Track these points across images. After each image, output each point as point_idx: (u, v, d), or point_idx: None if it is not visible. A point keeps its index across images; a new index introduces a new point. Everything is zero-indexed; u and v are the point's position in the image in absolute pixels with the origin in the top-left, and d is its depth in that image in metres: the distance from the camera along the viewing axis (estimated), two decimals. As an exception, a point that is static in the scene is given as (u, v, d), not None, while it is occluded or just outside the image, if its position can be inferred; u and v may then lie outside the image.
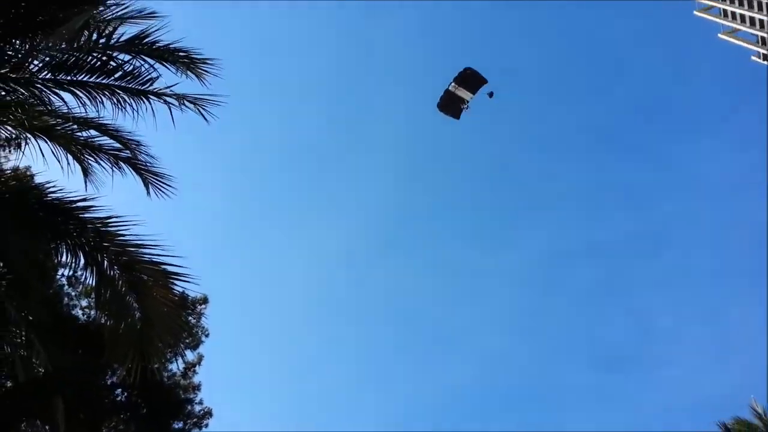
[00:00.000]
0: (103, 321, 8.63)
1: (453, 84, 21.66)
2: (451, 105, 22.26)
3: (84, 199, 8.13)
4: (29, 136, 9.61)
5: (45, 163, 9.56)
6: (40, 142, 9.56)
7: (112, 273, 7.96)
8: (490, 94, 21.55)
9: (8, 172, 11.65)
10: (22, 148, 10.27)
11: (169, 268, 8.18)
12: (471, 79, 21.48)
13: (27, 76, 8.51)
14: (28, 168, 12.27)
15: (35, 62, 8.59)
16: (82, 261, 8.19)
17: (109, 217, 8.06)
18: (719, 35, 75.04)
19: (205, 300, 14.55)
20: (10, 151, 11.45)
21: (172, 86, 8.98)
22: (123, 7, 8.87)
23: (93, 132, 9.66)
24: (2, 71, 8.47)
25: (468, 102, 22.16)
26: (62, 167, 9.67)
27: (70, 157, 9.69)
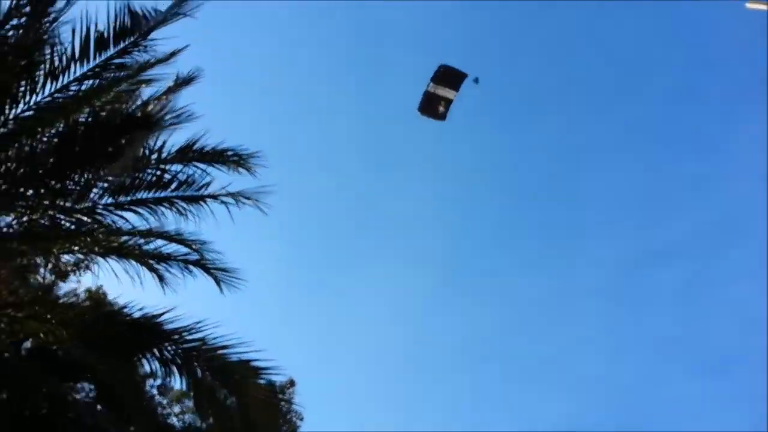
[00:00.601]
0: (203, 426, 8.76)
1: (431, 84, 20.46)
2: (431, 106, 20.91)
3: (167, 311, 8.34)
4: (98, 257, 9.98)
5: (118, 281, 9.92)
6: (109, 260, 9.92)
7: (206, 379, 8.12)
8: (476, 80, 20.23)
9: (83, 295, 12.10)
10: (93, 270, 10.68)
11: (257, 363, 8.33)
12: (448, 76, 20.27)
13: (90, 205, 8.85)
14: (100, 287, 12.67)
15: (95, 190, 8.95)
16: (175, 371, 8.37)
17: (195, 324, 8.26)
18: (747, 5, 73.76)
19: (292, 383, 14.70)
20: (81, 275, 11.90)
21: (226, 186, 9.33)
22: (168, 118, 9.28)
23: (159, 242, 9.96)
24: (66, 205, 8.82)
25: (451, 100, 20.75)
26: (134, 281, 9.99)
27: (141, 269, 10.00)
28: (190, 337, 8.25)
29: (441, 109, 20.55)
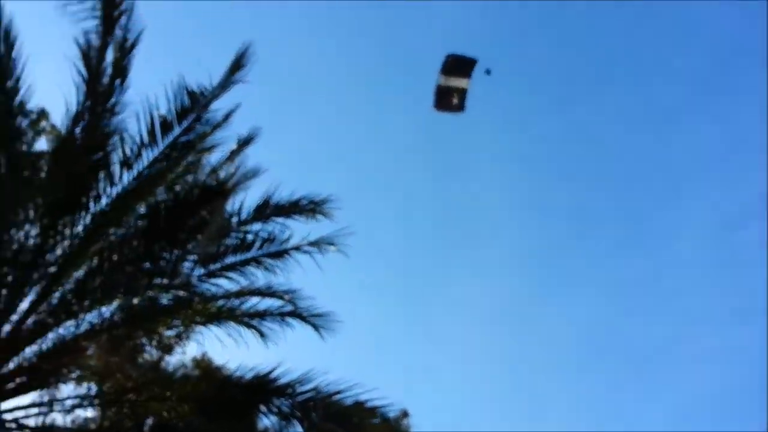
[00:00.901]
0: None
1: (441, 76, 19.60)
2: (445, 100, 19.93)
3: (276, 367, 8.52)
4: (199, 326, 10.29)
5: (221, 344, 10.19)
6: (210, 327, 10.21)
7: (326, 426, 8.23)
8: (488, 72, 19.27)
9: (190, 365, 12.48)
10: (195, 338, 11.01)
11: (371, 403, 8.42)
12: (457, 65, 19.40)
13: (184, 279, 9.16)
14: (205, 354, 13.02)
15: (186, 263, 9.27)
16: (294, 423, 8.53)
17: (305, 374, 8.43)
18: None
19: (405, 414, 14.71)
20: (184, 345, 12.26)
21: (307, 236, 9.56)
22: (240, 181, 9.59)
23: (253, 299, 10.20)
24: (163, 282, 9.16)
25: (465, 89, 19.86)
26: (236, 342, 10.24)
27: (241, 330, 10.25)
28: (303, 389, 8.40)
29: (455, 100, 19.89)
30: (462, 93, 19.99)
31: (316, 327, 10.19)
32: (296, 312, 10.14)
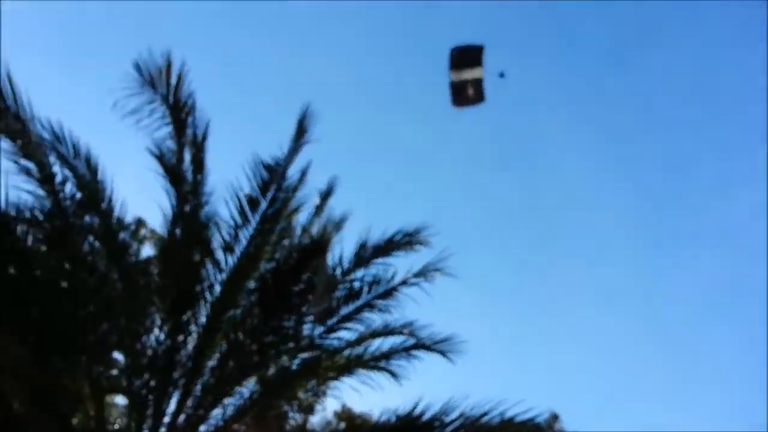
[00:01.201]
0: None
1: (452, 72, 19.22)
2: (461, 95, 19.50)
3: (417, 404, 8.59)
4: (332, 381, 10.53)
5: (357, 393, 10.38)
6: (342, 379, 10.43)
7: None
8: (501, 75, 18.73)
9: (334, 420, 12.79)
10: (332, 392, 11.26)
11: (520, 417, 8.36)
12: (465, 56, 18.96)
13: (307, 341, 9.43)
14: (344, 405, 13.28)
15: (305, 326, 9.55)
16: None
17: (447, 404, 8.47)
18: None
19: (555, 417, 14.51)
20: (323, 401, 12.58)
21: (410, 269, 9.72)
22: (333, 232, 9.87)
23: (375, 342, 10.36)
24: (290, 346, 9.46)
25: (479, 78, 18.78)
26: (371, 386, 10.41)
27: (371, 374, 10.41)
28: (449, 419, 8.44)
29: (471, 92, 19.50)
30: (477, 83, 19.43)
31: (443, 353, 10.25)
32: (420, 343, 10.24)
